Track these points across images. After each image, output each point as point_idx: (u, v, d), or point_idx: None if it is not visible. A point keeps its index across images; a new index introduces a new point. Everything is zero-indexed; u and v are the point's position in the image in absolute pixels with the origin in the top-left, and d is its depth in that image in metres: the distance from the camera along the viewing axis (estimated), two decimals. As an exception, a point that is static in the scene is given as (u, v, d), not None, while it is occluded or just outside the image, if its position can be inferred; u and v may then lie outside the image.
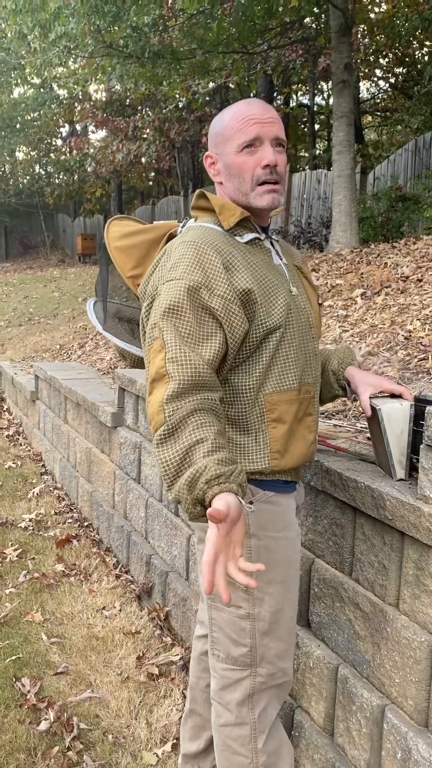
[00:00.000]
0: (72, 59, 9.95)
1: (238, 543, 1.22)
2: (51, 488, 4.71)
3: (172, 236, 1.67)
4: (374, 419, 1.73)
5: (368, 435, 2.20)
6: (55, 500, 4.48)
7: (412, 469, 1.70)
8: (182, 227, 1.64)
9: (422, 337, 3.24)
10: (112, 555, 3.56)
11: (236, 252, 1.50)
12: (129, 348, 1.83)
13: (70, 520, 4.09)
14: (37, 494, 4.56)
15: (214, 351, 1.41)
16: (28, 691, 2.43)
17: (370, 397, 1.71)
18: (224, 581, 1.17)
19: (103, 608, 3.03)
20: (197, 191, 1.61)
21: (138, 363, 1.86)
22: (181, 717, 2.25)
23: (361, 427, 2.35)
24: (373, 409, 1.70)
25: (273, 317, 1.49)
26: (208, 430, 1.31)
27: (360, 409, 2.57)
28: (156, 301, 1.48)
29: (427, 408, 1.54)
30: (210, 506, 1.23)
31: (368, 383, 1.72)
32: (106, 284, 1.86)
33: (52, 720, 2.27)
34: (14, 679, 2.51)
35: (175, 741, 2.18)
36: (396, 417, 1.66)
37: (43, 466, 5.25)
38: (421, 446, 1.57)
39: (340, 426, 2.41)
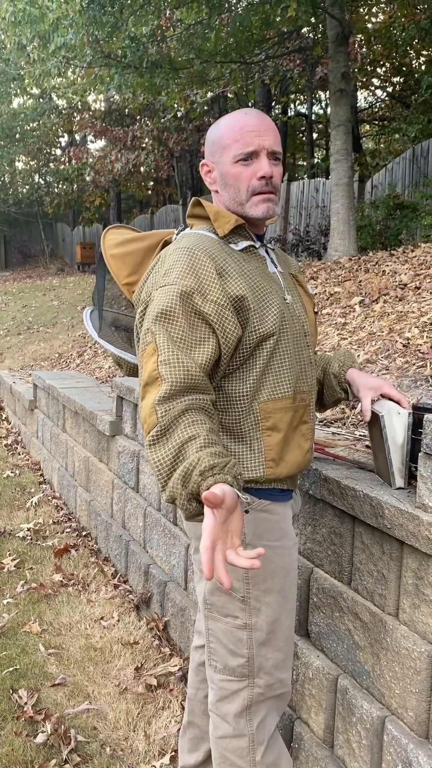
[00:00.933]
0: (71, 70, 10.00)
1: (237, 533, 1.20)
2: (49, 497, 4.69)
3: (167, 243, 1.67)
4: (376, 426, 1.72)
5: (367, 443, 2.19)
6: (54, 509, 4.46)
7: (411, 477, 1.69)
8: (177, 234, 1.64)
9: (420, 345, 3.23)
10: (111, 565, 3.54)
11: (230, 259, 1.50)
12: (124, 355, 1.82)
13: (68, 530, 4.08)
14: (36, 503, 4.54)
15: (206, 355, 1.41)
16: (25, 703, 2.40)
17: (372, 403, 1.71)
18: (224, 567, 1.16)
19: (101, 618, 3.01)
20: (193, 199, 1.61)
21: (134, 371, 1.86)
22: (179, 729, 2.23)
23: (360, 435, 2.34)
24: (376, 416, 1.69)
25: (266, 324, 1.49)
26: (200, 427, 1.30)
27: (359, 416, 2.56)
28: (149, 307, 1.47)
29: (426, 416, 1.53)
30: None
31: (369, 387, 1.71)
32: (101, 292, 1.86)
33: (50, 732, 2.25)
34: (11, 691, 2.48)
35: (173, 753, 2.16)
36: (396, 425, 1.65)
37: (42, 475, 5.23)
38: (419, 454, 1.56)
39: (338, 434, 2.41)
